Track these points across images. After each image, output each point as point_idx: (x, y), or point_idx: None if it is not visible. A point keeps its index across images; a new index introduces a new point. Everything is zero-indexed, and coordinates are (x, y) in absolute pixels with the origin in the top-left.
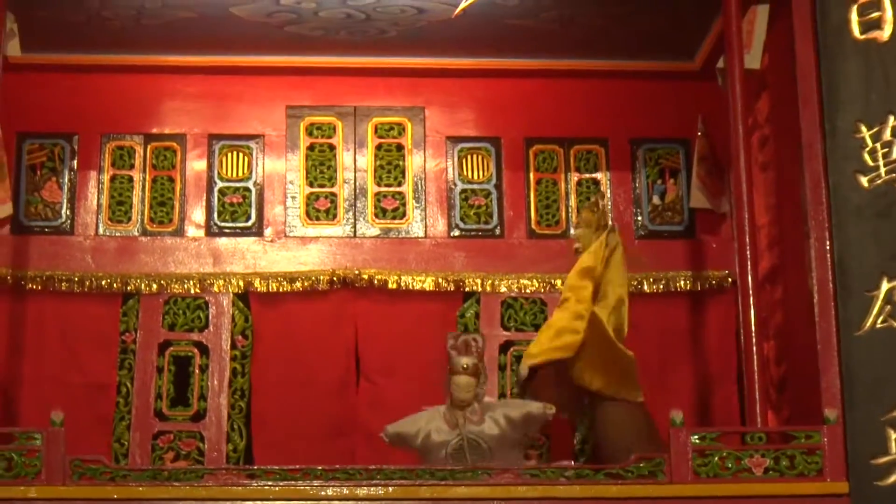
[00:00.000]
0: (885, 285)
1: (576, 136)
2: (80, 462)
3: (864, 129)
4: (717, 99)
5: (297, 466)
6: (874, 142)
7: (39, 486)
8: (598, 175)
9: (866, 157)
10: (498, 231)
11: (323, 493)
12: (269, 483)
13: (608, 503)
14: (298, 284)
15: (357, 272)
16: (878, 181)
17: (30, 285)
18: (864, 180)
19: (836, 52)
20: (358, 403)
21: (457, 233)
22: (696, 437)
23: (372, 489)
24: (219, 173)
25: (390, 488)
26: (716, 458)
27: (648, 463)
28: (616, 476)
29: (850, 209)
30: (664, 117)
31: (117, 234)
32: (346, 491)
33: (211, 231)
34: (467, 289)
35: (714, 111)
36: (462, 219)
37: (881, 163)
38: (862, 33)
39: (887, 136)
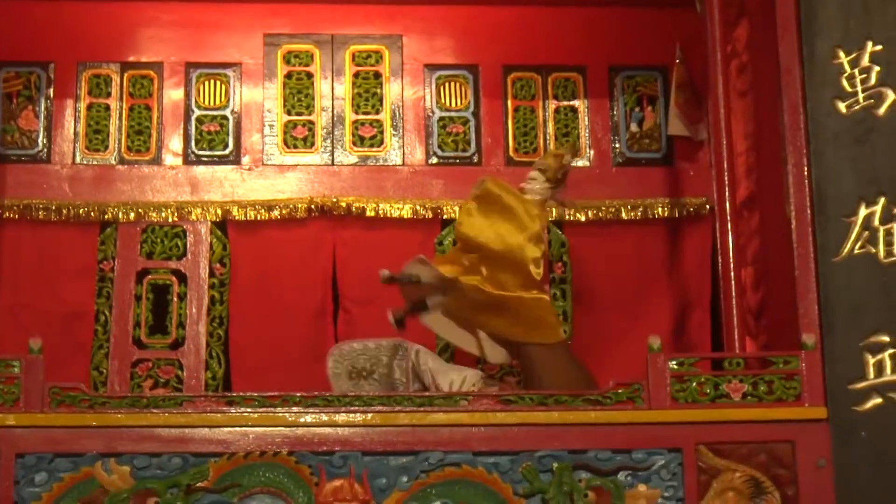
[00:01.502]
0: (862, 211)
1: (554, 64)
2: (59, 389)
3: (842, 54)
4: (695, 26)
5: (276, 393)
6: (852, 68)
7: (17, 414)
8: (576, 102)
9: (844, 83)
10: (476, 158)
11: (302, 419)
12: (248, 410)
13: (587, 429)
14: (276, 212)
15: (335, 200)
16: (856, 107)
17: (6, 214)
18: (842, 106)
19: None
20: (335, 331)
21: (435, 160)
22: (674, 362)
23: (350, 415)
24: (196, 101)
25: (369, 415)
26: (694, 384)
27: (626, 389)
28: (595, 402)
29: (827, 135)
30: (642, 45)
31: (94, 162)
32: (324, 417)
33: (188, 159)
34: (445, 216)
35: (692, 38)
36: (440, 146)
37: (859, 89)
38: None
39: (865, 61)
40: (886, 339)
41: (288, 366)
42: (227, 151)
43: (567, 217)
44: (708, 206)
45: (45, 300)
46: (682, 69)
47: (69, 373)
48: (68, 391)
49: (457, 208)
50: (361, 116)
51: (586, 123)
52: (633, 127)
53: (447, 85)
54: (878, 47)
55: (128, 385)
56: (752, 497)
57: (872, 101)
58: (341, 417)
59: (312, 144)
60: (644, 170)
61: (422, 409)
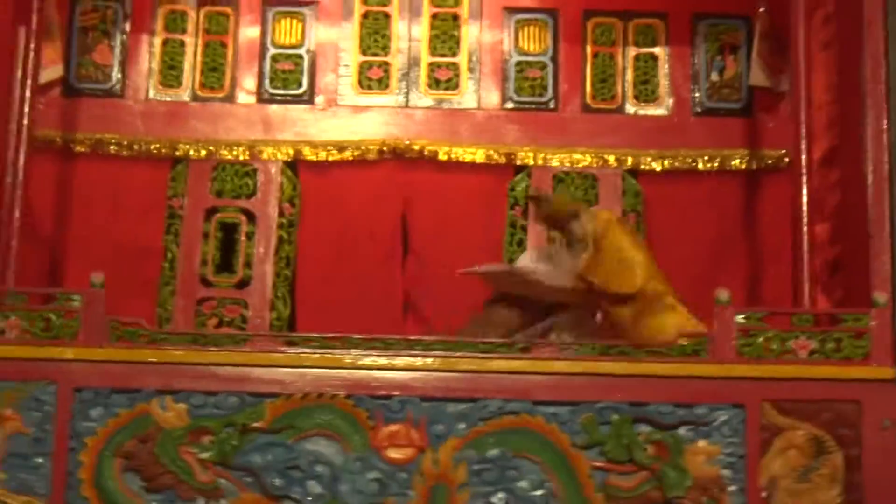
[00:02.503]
0: None
1: (635, 10)
2: (119, 324)
3: None
4: None
5: (336, 334)
6: None
7: (76, 348)
8: (657, 50)
9: None
10: (552, 104)
11: (360, 361)
12: (307, 350)
13: (649, 381)
14: (348, 153)
15: (407, 143)
16: None
17: (79, 148)
18: None
19: None
20: (404, 275)
21: (510, 105)
22: (741, 316)
23: (410, 359)
24: (272, 39)
25: (429, 359)
26: (760, 339)
27: (691, 341)
28: (658, 354)
29: None
30: None
31: (168, 98)
32: (383, 361)
33: (262, 98)
34: (519, 162)
35: None
36: (516, 91)
37: None
38: None
39: None
40: None
41: (354, 308)
42: (300, 91)
43: (642, 166)
44: (787, 160)
45: (113, 235)
46: (765, 18)
47: (135, 309)
48: (128, 326)
49: (531, 154)
50: (438, 59)
51: (666, 71)
52: (714, 76)
53: (526, 29)
54: None
55: (192, 323)
56: (815, 456)
57: None
58: (401, 361)
59: (387, 86)
60: (723, 120)
61: (483, 355)
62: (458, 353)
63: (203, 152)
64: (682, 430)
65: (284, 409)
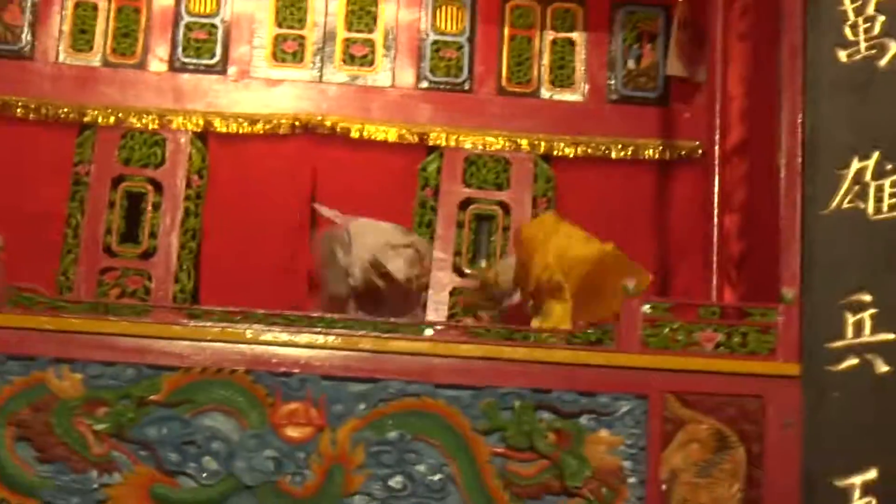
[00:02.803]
0: (855, 164)
1: None
2: (17, 290)
3: (847, 1)
4: None
5: (237, 309)
6: (857, 15)
7: None
8: (574, 35)
9: (847, 30)
10: (467, 86)
11: (262, 337)
12: (208, 324)
13: (553, 368)
14: (259, 127)
15: (320, 118)
16: (857, 56)
17: None
18: (842, 55)
19: None
20: (311, 252)
21: (425, 84)
22: (647, 306)
23: (312, 337)
24: (186, 7)
25: (331, 337)
26: (666, 330)
27: (597, 330)
28: (563, 341)
29: (825, 84)
30: None
31: (78, 62)
32: (285, 337)
33: (174, 66)
34: (431, 142)
35: None
36: (431, 71)
37: (862, 38)
38: None
39: (871, 10)
40: (868, 298)
41: (260, 284)
42: (213, 61)
43: (555, 152)
44: (700, 151)
45: (17, 199)
46: (684, 7)
47: (36, 275)
48: (25, 292)
49: (444, 135)
50: (354, 34)
51: (583, 57)
52: (631, 64)
53: (444, 8)
54: None
55: (94, 293)
56: (717, 451)
57: (874, 51)
58: (302, 338)
59: (301, 60)
60: (638, 108)
61: (385, 335)
62: (360, 332)
63: (112, 119)
64: (583, 419)
65: (182, 382)
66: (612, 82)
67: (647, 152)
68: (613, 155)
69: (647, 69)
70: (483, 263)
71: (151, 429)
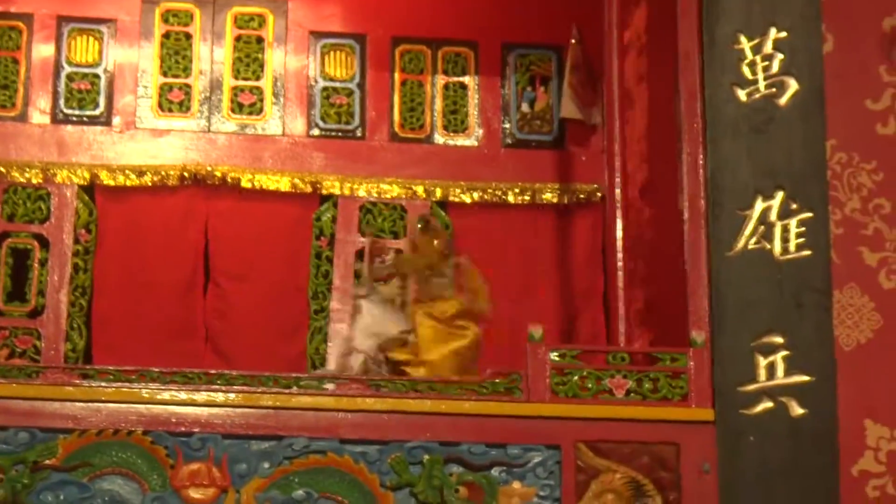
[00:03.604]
0: (759, 205)
1: (445, 38)
2: None
3: (744, 40)
4: (593, 5)
5: (133, 367)
6: (754, 54)
7: None
8: (466, 79)
9: (745, 69)
10: (359, 132)
11: (159, 396)
12: (103, 384)
13: (460, 420)
14: (147, 178)
15: (209, 169)
16: (757, 95)
17: None
18: (741, 94)
19: None
20: (205, 307)
21: (316, 132)
22: (555, 353)
23: (212, 394)
24: (67, 58)
25: (231, 395)
26: (575, 378)
27: (504, 379)
28: (469, 391)
29: (725, 124)
30: (538, 22)
31: None
32: (183, 395)
33: (56, 118)
34: (325, 191)
35: (590, 18)
36: (322, 118)
37: (761, 76)
38: None
39: (768, 48)
40: (779, 339)
41: (154, 342)
42: (97, 112)
43: (451, 198)
44: (599, 194)
45: None
46: (577, 49)
47: None
48: None
49: (338, 183)
50: (241, 82)
51: (476, 101)
52: (525, 107)
53: (333, 54)
54: (783, 34)
55: None
56: (633, 500)
57: (774, 89)
58: (201, 396)
59: (188, 109)
60: (534, 152)
61: (286, 391)
62: (261, 388)
63: None
64: (495, 472)
65: (79, 445)
66: (507, 126)
67: (545, 196)
68: (511, 199)
69: (541, 112)
70: None
71: (48, 494)
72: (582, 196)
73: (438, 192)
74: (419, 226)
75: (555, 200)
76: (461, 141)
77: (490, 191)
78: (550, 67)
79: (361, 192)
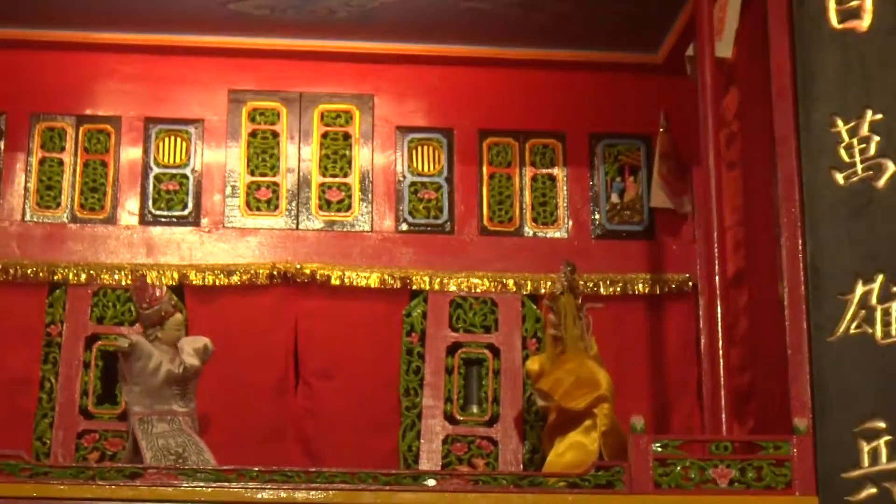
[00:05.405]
0: (859, 289)
1: (532, 129)
2: None
3: (840, 123)
4: (680, 93)
5: (232, 467)
6: (851, 137)
7: None
8: (555, 170)
9: (842, 152)
10: (448, 227)
11: (258, 496)
12: (202, 484)
13: None
14: (236, 278)
15: (298, 266)
16: (855, 178)
17: None
18: (839, 177)
19: (813, 42)
20: (296, 407)
21: (405, 227)
22: (657, 444)
23: (311, 493)
24: (155, 159)
25: (330, 492)
26: (678, 468)
27: (607, 472)
28: (572, 485)
29: (824, 208)
30: (625, 112)
31: (45, 220)
32: (283, 494)
33: (145, 219)
34: (414, 287)
35: (677, 106)
36: (411, 213)
37: (857, 159)
38: (840, 22)
39: (864, 131)
40: (882, 424)
41: (245, 441)
42: (185, 212)
43: (542, 290)
44: (691, 283)
45: None
46: (666, 138)
47: (11, 443)
48: (9, 459)
49: (427, 278)
50: (329, 179)
51: (565, 193)
52: (614, 198)
53: (420, 148)
54: (878, 116)
55: (72, 457)
56: None
57: (871, 172)
58: (301, 495)
59: (276, 207)
60: (624, 243)
61: (387, 487)
62: (361, 485)
63: (83, 276)
64: None
65: None
66: (597, 217)
67: (636, 287)
68: (602, 291)
69: (631, 202)
70: (475, 410)
71: None
72: (673, 286)
73: (529, 286)
74: (568, 269)
75: (646, 290)
76: (551, 233)
77: (581, 283)
78: (639, 157)
79: (452, 287)
